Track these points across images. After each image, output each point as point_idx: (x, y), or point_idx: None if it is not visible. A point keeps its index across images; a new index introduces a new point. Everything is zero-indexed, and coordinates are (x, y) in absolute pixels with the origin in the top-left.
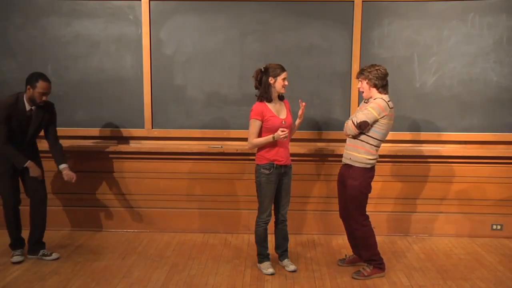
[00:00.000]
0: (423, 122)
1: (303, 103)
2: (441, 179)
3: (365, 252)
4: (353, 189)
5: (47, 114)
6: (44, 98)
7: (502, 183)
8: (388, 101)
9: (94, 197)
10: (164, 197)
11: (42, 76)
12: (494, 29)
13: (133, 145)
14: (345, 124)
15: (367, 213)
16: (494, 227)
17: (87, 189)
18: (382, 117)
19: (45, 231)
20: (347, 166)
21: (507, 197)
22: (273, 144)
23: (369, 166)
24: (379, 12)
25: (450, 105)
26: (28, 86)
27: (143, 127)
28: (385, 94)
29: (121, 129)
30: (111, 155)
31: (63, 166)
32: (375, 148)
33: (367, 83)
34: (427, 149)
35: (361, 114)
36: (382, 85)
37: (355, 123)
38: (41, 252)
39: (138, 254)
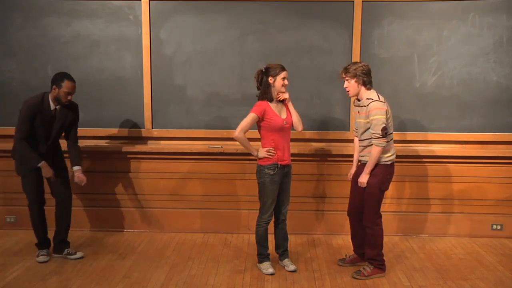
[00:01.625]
0: (423, 122)
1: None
2: (441, 179)
3: (370, 250)
4: (372, 186)
5: (70, 114)
6: (69, 97)
7: (502, 183)
8: (379, 98)
9: (93, 197)
10: (164, 197)
11: (67, 76)
12: (494, 29)
13: (133, 145)
14: (373, 146)
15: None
16: (494, 227)
17: (86, 189)
18: (387, 113)
19: (69, 230)
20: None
21: (507, 197)
22: (278, 144)
23: (389, 162)
24: (379, 12)
25: (450, 105)
26: (54, 86)
27: (143, 127)
28: (371, 89)
29: (121, 129)
30: (110, 155)
31: (77, 168)
32: (388, 144)
33: (355, 81)
34: (427, 149)
35: (374, 126)
36: (369, 80)
37: (379, 135)
38: (66, 251)
39: (138, 254)
